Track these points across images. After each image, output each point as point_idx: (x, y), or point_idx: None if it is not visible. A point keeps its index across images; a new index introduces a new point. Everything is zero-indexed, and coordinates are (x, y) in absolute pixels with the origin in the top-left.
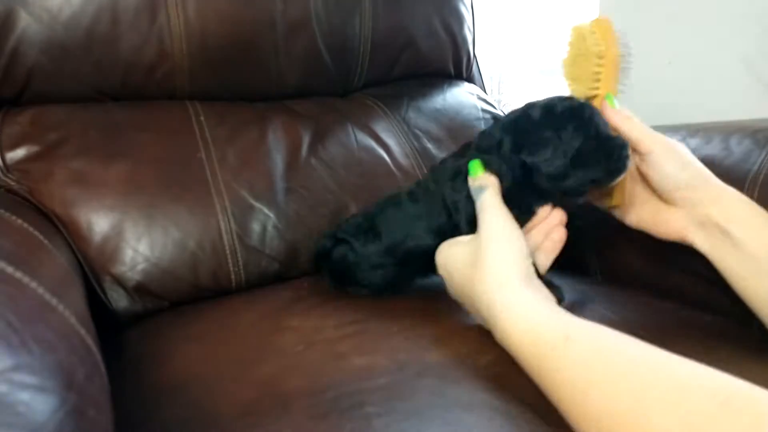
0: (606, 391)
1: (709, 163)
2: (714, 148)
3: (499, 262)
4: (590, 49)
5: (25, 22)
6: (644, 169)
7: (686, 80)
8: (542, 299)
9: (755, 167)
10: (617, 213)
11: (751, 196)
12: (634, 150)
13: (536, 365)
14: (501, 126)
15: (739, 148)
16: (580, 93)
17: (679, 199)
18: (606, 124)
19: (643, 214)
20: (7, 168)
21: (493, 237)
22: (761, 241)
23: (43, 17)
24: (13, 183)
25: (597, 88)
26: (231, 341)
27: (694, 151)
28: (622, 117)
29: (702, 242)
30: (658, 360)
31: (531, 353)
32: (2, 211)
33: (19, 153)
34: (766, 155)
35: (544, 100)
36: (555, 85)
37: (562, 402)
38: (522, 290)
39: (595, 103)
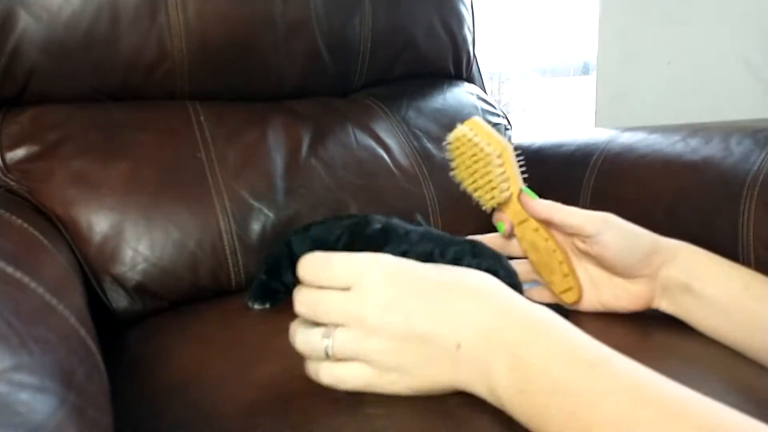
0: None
1: (710, 163)
2: (714, 148)
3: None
4: (485, 150)
5: (25, 22)
6: (596, 251)
7: (686, 80)
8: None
9: (755, 167)
10: (579, 306)
11: (751, 196)
12: (578, 235)
13: (560, 382)
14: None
15: (739, 148)
16: (491, 201)
17: (638, 269)
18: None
19: (604, 296)
20: (7, 168)
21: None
22: (722, 289)
23: (43, 17)
24: (13, 183)
25: (508, 188)
26: (231, 342)
27: (693, 151)
28: (552, 208)
29: (668, 305)
30: (701, 402)
31: (563, 373)
32: (2, 211)
33: (19, 153)
34: (766, 155)
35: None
36: (555, 86)
37: (599, 426)
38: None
39: (511, 203)
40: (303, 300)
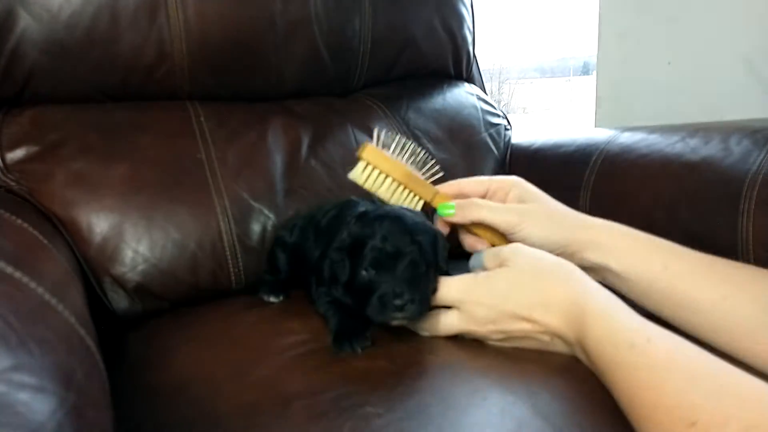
0: (682, 389)
1: (709, 163)
2: (714, 148)
3: (570, 267)
4: (386, 184)
5: (25, 22)
6: (513, 241)
7: (686, 80)
8: (618, 299)
9: (754, 167)
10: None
11: (750, 195)
12: (501, 231)
13: (612, 361)
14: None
15: (738, 148)
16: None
17: (560, 254)
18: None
19: None
20: (7, 168)
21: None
22: (641, 269)
23: (43, 17)
24: (13, 183)
25: (419, 201)
26: (231, 343)
27: (693, 151)
28: (468, 215)
29: (594, 277)
30: (733, 370)
31: (609, 350)
32: (2, 211)
33: (19, 153)
34: (765, 155)
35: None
36: (555, 85)
37: (633, 397)
38: (602, 289)
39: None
40: None
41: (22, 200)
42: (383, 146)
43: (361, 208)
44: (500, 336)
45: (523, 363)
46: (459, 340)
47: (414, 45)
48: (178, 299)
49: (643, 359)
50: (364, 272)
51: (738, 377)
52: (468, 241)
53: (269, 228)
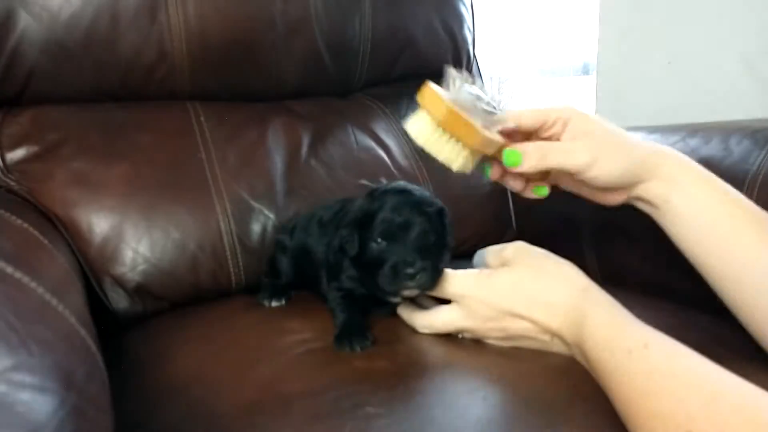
0: (679, 398)
1: (709, 163)
2: (714, 148)
3: (574, 270)
4: (435, 133)
5: (25, 22)
6: (582, 179)
7: (686, 80)
8: (618, 304)
9: (754, 167)
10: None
11: (750, 196)
12: (572, 173)
13: (609, 367)
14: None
15: (738, 148)
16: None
17: (621, 188)
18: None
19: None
20: (7, 168)
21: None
22: (701, 210)
23: (43, 17)
24: (13, 183)
25: (471, 154)
26: (231, 343)
27: (693, 151)
28: (536, 161)
29: (642, 206)
30: (729, 377)
31: (606, 356)
32: (2, 211)
33: (19, 153)
34: (765, 155)
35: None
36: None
37: (630, 404)
38: (603, 293)
39: (494, 166)
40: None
41: (22, 200)
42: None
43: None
44: (499, 334)
45: (523, 363)
46: (459, 340)
47: (414, 45)
48: (178, 299)
49: (640, 366)
50: (374, 244)
51: (734, 386)
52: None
53: (269, 228)
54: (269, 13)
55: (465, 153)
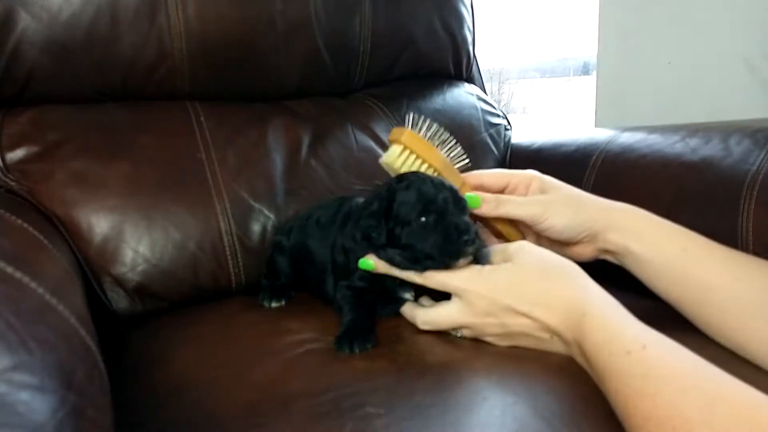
0: (675, 400)
1: (709, 163)
2: (714, 148)
3: (575, 270)
4: (412, 168)
5: (25, 22)
6: (539, 230)
7: (686, 80)
8: (618, 305)
9: (754, 167)
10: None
11: (750, 195)
12: (524, 224)
13: (608, 368)
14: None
15: (738, 148)
16: None
17: (580, 239)
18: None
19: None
20: (7, 168)
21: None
22: (659, 251)
23: (43, 17)
24: (13, 183)
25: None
26: (231, 343)
27: (693, 151)
28: (492, 207)
29: (612, 259)
30: (727, 380)
31: (605, 357)
32: (2, 211)
33: (19, 153)
34: (765, 155)
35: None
36: (555, 85)
37: (627, 405)
38: (603, 293)
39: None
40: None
41: (22, 200)
42: (418, 131)
43: (359, 199)
44: (498, 330)
45: (524, 363)
46: (459, 340)
47: (414, 45)
48: (178, 299)
49: (638, 367)
50: (427, 217)
51: (732, 388)
52: (483, 235)
53: (269, 228)
54: (269, 13)
55: (431, 171)
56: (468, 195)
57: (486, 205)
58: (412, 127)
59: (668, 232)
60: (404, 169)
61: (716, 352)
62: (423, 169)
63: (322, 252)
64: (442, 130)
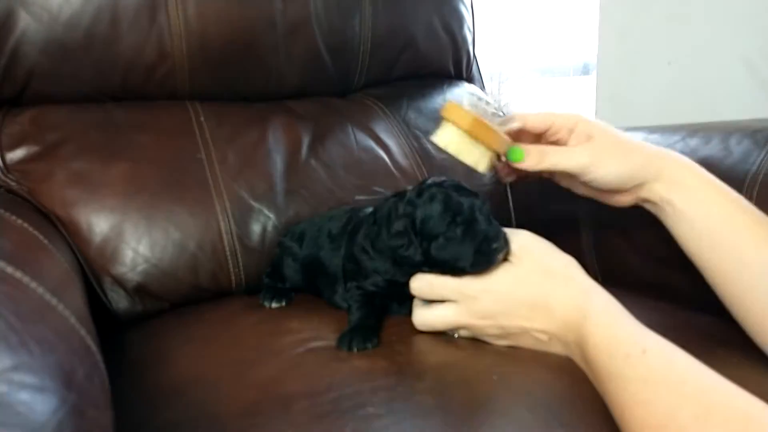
0: (671, 407)
1: (709, 163)
2: (713, 148)
3: (577, 270)
4: (462, 130)
5: (25, 22)
6: (585, 181)
7: (686, 80)
8: (620, 307)
9: (754, 167)
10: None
11: (750, 196)
12: (572, 174)
13: (606, 371)
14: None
15: (738, 148)
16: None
17: (624, 189)
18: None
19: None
20: (7, 168)
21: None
22: (702, 212)
23: (43, 17)
24: (13, 183)
25: (489, 153)
26: (231, 343)
27: (693, 151)
28: (536, 161)
29: (650, 207)
30: (724, 388)
31: (604, 359)
32: (2, 211)
33: (19, 153)
34: (765, 155)
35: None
36: (555, 85)
37: (624, 410)
38: (605, 294)
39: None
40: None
41: (22, 200)
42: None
43: (368, 209)
44: (496, 332)
45: (524, 363)
46: (459, 340)
47: (414, 45)
48: (178, 299)
49: (636, 372)
50: (457, 229)
51: (729, 398)
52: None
53: (269, 228)
54: (269, 13)
55: (489, 155)
56: (512, 148)
57: (529, 158)
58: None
59: (717, 193)
60: (458, 149)
61: (717, 352)
62: (477, 148)
63: (334, 263)
64: (474, 97)
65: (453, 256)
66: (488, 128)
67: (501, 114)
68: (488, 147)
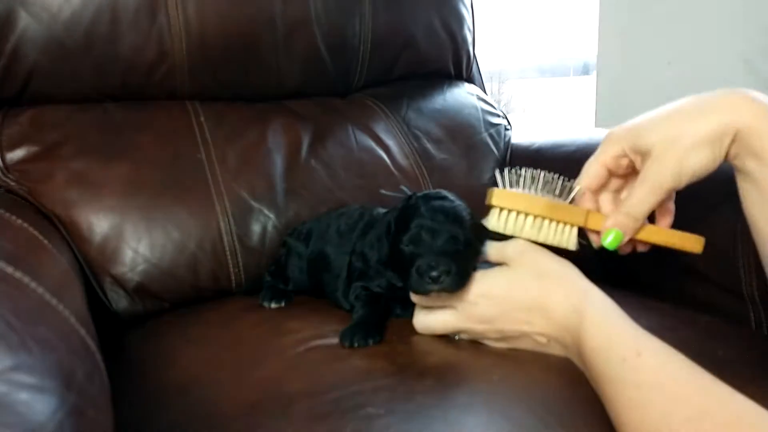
0: (664, 412)
1: None
2: None
3: (574, 272)
4: (518, 224)
5: (25, 22)
6: (689, 183)
7: (686, 80)
8: (618, 309)
9: None
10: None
11: None
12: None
13: (603, 374)
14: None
15: None
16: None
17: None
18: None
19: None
20: (7, 168)
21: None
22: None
23: (43, 17)
24: (13, 183)
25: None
26: (232, 343)
27: None
28: (633, 231)
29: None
30: (718, 391)
31: (601, 363)
32: (2, 211)
33: (19, 153)
34: None
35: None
36: (555, 85)
37: (620, 413)
38: (602, 296)
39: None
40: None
41: (22, 200)
42: (510, 185)
43: (380, 210)
44: (496, 335)
45: (524, 365)
46: (459, 340)
47: (414, 45)
48: (178, 299)
49: (631, 375)
50: (405, 247)
51: (722, 401)
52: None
53: (269, 228)
54: (269, 13)
55: (571, 230)
56: (608, 231)
57: (627, 230)
58: (503, 184)
59: None
60: (510, 229)
61: (715, 352)
62: (529, 222)
63: (340, 258)
64: (539, 171)
65: (404, 267)
66: (568, 208)
67: (555, 178)
68: (572, 225)
